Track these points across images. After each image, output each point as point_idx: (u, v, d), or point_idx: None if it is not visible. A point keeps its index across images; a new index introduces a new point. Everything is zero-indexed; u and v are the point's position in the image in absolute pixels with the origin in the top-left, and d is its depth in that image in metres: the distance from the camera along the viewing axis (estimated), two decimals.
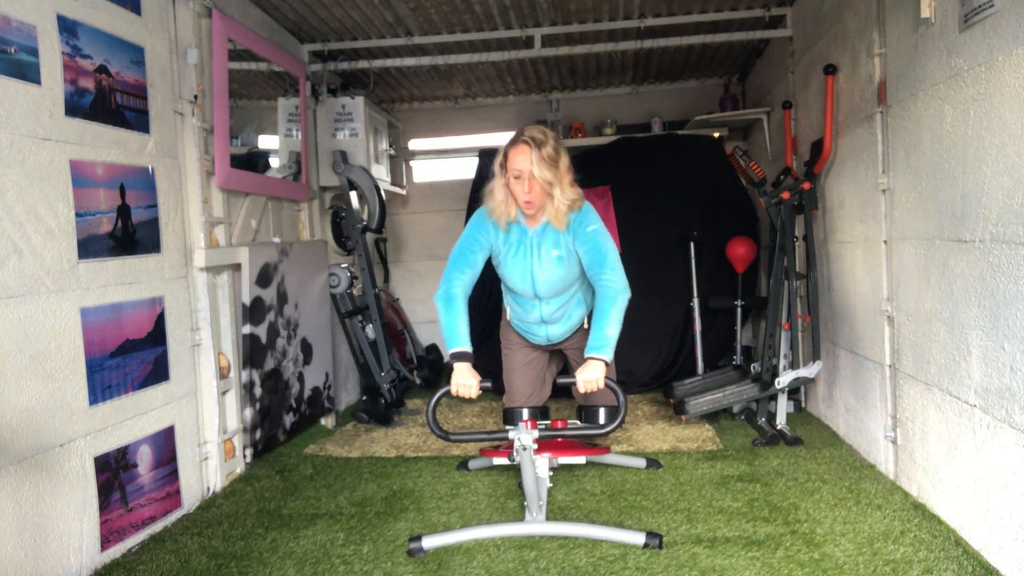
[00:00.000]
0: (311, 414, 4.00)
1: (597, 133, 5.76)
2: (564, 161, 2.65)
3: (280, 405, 3.67)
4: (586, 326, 2.96)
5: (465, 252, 2.78)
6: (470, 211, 5.37)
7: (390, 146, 5.37)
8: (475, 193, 5.39)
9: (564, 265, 2.75)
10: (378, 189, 4.44)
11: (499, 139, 6.06)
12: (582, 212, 2.72)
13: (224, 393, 3.26)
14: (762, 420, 3.68)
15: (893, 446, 2.91)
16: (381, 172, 5.04)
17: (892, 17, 2.78)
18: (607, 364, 2.60)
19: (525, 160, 2.58)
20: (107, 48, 2.57)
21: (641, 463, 3.20)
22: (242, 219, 3.53)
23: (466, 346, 2.68)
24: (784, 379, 3.53)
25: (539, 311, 2.88)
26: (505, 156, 2.67)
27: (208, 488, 3.12)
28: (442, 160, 6.24)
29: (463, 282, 2.76)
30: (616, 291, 2.64)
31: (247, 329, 3.37)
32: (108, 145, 2.57)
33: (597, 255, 2.68)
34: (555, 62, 5.07)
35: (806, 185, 3.59)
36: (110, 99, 2.58)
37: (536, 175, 2.58)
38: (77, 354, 2.38)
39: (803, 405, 4.16)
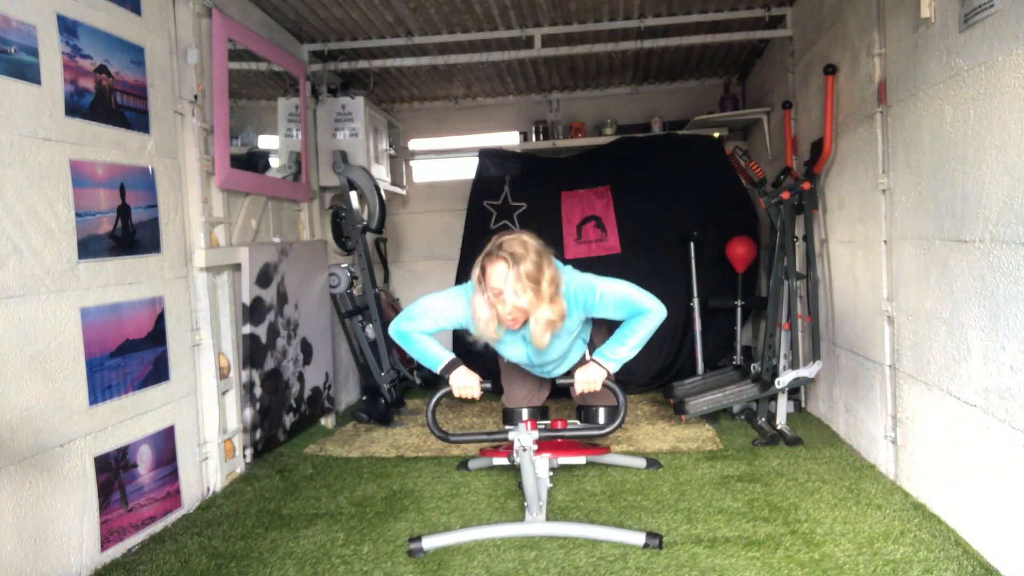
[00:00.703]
0: (311, 414, 4.00)
1: (597, 133, 5.76)
2: (548, 274, 2.34)
3: (280, 405, 3.67)
4: (588, 357, 2.86)
5: (430, 317, 2.58)
6: (470, 211, 5.39)
7: (390, 146, 5.37)
8: (475, 193, 5.41)
9: (562, 337, 2.62)
10: (378, 189, 4.43)
11: (499, 139, 6.10)
12: (578, 295, 2.50)
13: (224, 393, 3.26)
14: (762, 420, 3.68)
15: (893, 446, 2.91)
16: (381, 172, 5.04)
17: (892, 17, 2.78)
18: (607, 371, 2.58)
19: (500, 279, 2.31)
20: (107, 48, 2.57)
21: (641, 463, 3.20)
22: (242, 219, 3.53)
23: (450, 356, 2.62)
24: (784, 379, 3.53)
25: (538, 370, 2.87)
26: (482, 269, 2.37)
27: (208, 488, 3.12)
28: (442, 160, 6.23)
29: (423, 333, 2.62)
30: (654, 316, 2.51)
31: (247, 329, 3.37)
32: (108, 145, 2.57)
33: (625, 305, 2.51)
34: (555, 62, 5.07)
35: (806, 185, 3.59)
36: (110, 99, 2.58)
37: (511, 299, 2.32)
38: (77, 354, 2.38)
39: (803, 405, 4.16)
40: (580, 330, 2.75)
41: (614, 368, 2.57)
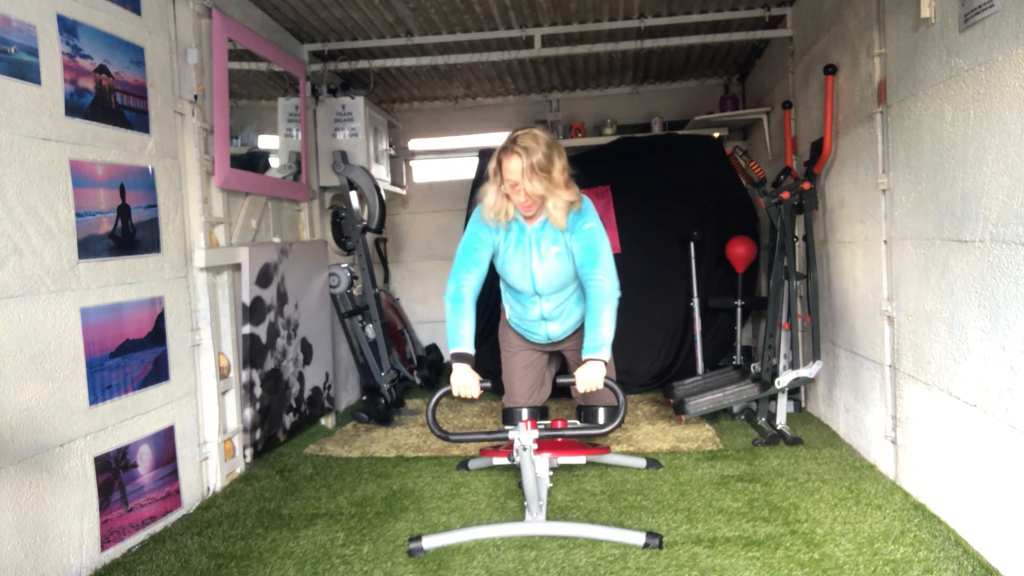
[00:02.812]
0: (311, 414, 4.00)
1: (597, 133, 5.76)
2: (558, 165, 2.59)
3: (280, 405, 3.67)
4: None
5: (470, 251, 2.77)
6: (470, 211, 5.38)
7: (390, 146, 5.37)
8: (475, 193, 5.40)
9: (563, 261, 2.75)
10: (378, 189, 4.44)
11: (499, 139, 6.07)
12: (581, 211, 2.71)
13: (224, 393, 3.26)
14: (762, 420, 3.68)
15: (893, 446, 2.91)
16: (381, 172, 5.04)
17: (892, 17, 2.78)
18: (606, 364, 2.60)
19: (516, 170, 2.55)
20: (107, 48, 2.57)
21: (641, 463, 3.20)
22: (242, 219, 3.53)
23: (468, 348, 2.67)
24: (784, 379, 3.53)
25: (539, 308, 2.88)
26: (499, 163, 2.63)
27: (208, 488, 3.12)
28: (442, 160, 6.24)
29: (471, 282, 2.74)
30: (607, 291, 2.63)
31: (247, 329, 3.37)
32: (108, 145, 2.57)
33: (590, 254, 2.67)
34: (555, 62, 5.07)
35: (806, 185, 3.59)
36: (110, 99, 2.58)
37: (527, 188, 2.55)
38: (77, 354, 2.38)
39: (803, 405, 4.16)
40: (577, 285, 2.83)
41: (607, 355, 2.59)
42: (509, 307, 3.03)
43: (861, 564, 2.21)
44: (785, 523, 2.54)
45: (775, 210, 3.72)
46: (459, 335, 2.69)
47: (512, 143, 2.59)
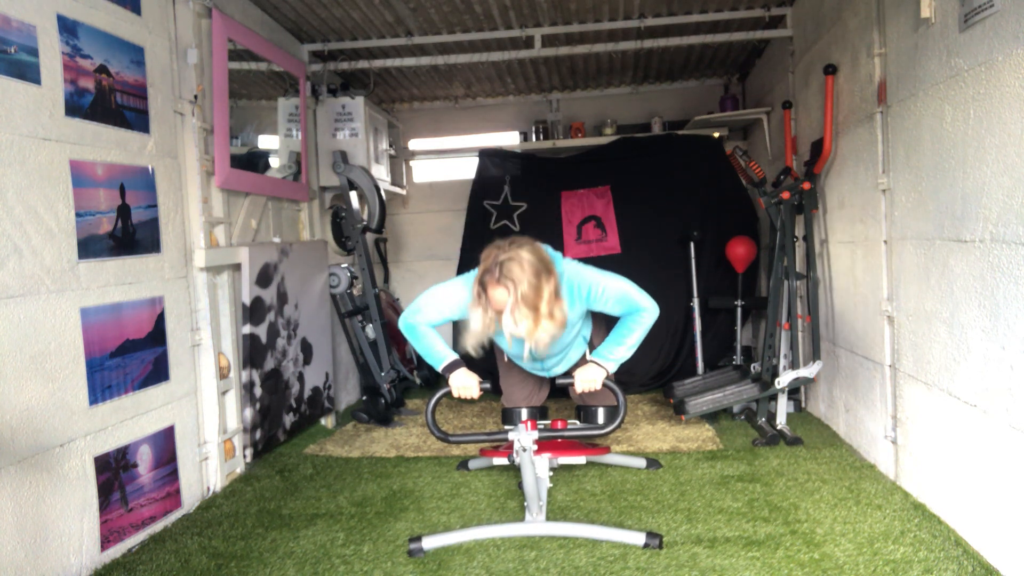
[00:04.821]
0: (311, 414, 4.00)
1: (597, 133, 5.76)
2: (546, 294, 2.36)
3: (280, 405, 3.67)
4: (588, 356, 2.82)
5: (438, 310, 2.63)
6: (470, 211, 5.39)
7: (390, 146, 5.37)
8: (475, 193, 5.41)
9: (561, 331, 2.59)
10: (378, 189, 4.44)
11: (499, 139, 6.10)
12: (580, 288, 2.55)
13: (224, 393, 3.26)
14: (762, 420, 3.68)
15: (893, 446, 2.91)
16: (381, 172, 5.04)
17: (892, 17, 2.78)
18: (607, 372, 2.59)
19: (501, 301, 2.36)
20: (107, 48, 2.57)
21: (641, 463, 3.20)
22: (242, 219, 3.53)
23: (452, 356, 2.65)
24: (784, 379, 3.53)
25: (538, 365, 2.87)
26: (483, 287, 2.40)
27: (208, 488, 3.12)
28: (442, 160, 6.23)
29: (429, 324, 2.66)
30: (650, 317, 2.58)
31: (247, 329, 3.37)
32: (108, 145, 2.57)
33: (625, 303, 2.57)
34: (555, 62, 5.07)
35: (806, 185, 3.59)
36: (110, 99, 2.58)
37: (509, 326, 2.37)
38: (77, 354, 2.38)
39: (803, 405, 4.16)
40: (581, 325, 2.77)
41: (613, 368, 2.58)
42: (505, 353, 2.93)
43: (861, 564, 2.21)
44: (785, 523, 2.54)
45: (775, 210, 3.72)
46: (436, 351, 2.65)
47: (498, 269, 2.35)
